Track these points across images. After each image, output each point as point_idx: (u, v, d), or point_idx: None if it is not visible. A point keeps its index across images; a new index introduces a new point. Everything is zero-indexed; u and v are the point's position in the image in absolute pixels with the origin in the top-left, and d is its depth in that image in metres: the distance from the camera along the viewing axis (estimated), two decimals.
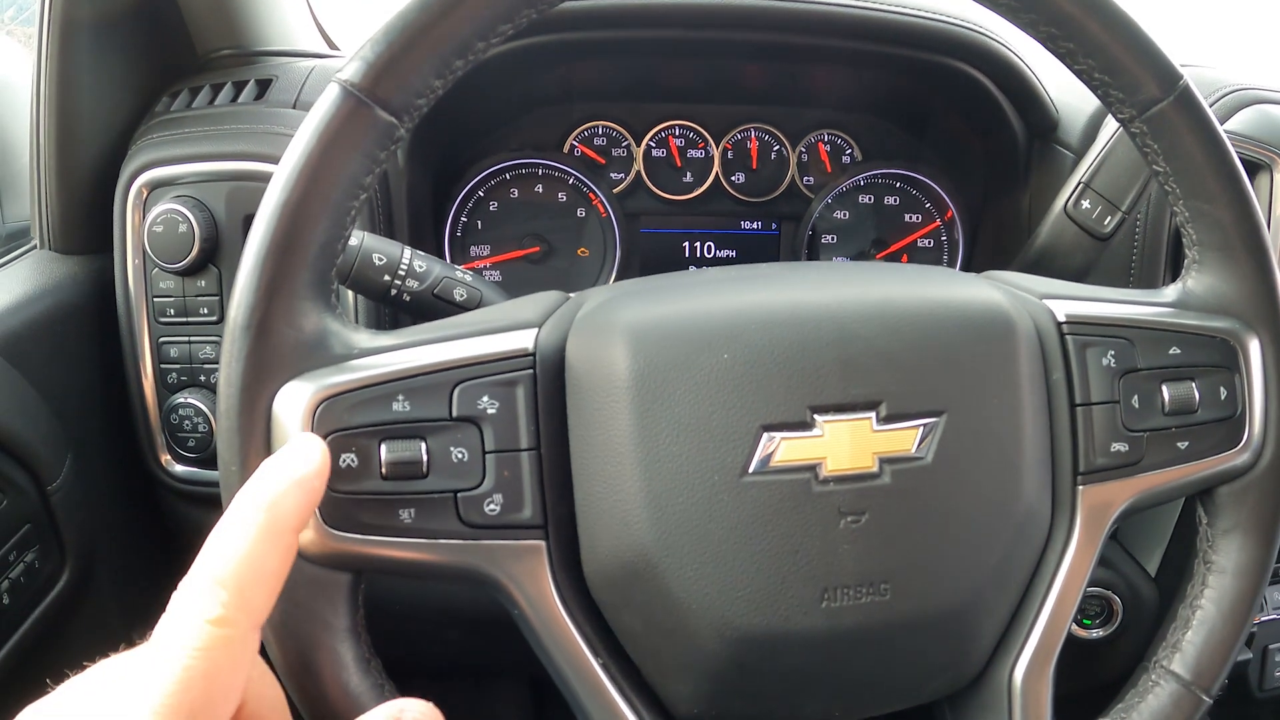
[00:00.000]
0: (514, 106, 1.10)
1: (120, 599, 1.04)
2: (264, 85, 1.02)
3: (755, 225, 1.16)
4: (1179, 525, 1.04)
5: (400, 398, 0.47)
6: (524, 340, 0.51)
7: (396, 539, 0.47)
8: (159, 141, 0.96)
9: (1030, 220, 1.08)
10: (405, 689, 0.47)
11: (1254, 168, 0.97)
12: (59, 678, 0.37)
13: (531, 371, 0.50)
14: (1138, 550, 1.08)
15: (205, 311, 0.95)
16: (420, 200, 1.04)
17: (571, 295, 0.58)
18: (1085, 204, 0.89)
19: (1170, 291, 0.61)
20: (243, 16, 1.10)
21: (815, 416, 0.50)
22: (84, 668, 0.37)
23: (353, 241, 0.76)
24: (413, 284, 0.77)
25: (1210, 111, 0.55)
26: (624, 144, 1.13)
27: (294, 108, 1.00)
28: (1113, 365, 0.56)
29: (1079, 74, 0.56)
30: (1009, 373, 0.54)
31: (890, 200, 1.17)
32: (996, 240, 1.14)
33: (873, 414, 0.51)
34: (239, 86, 1.03)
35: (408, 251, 0.77)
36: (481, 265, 1.14)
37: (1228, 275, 0.58)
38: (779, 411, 0.50)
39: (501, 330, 0.51)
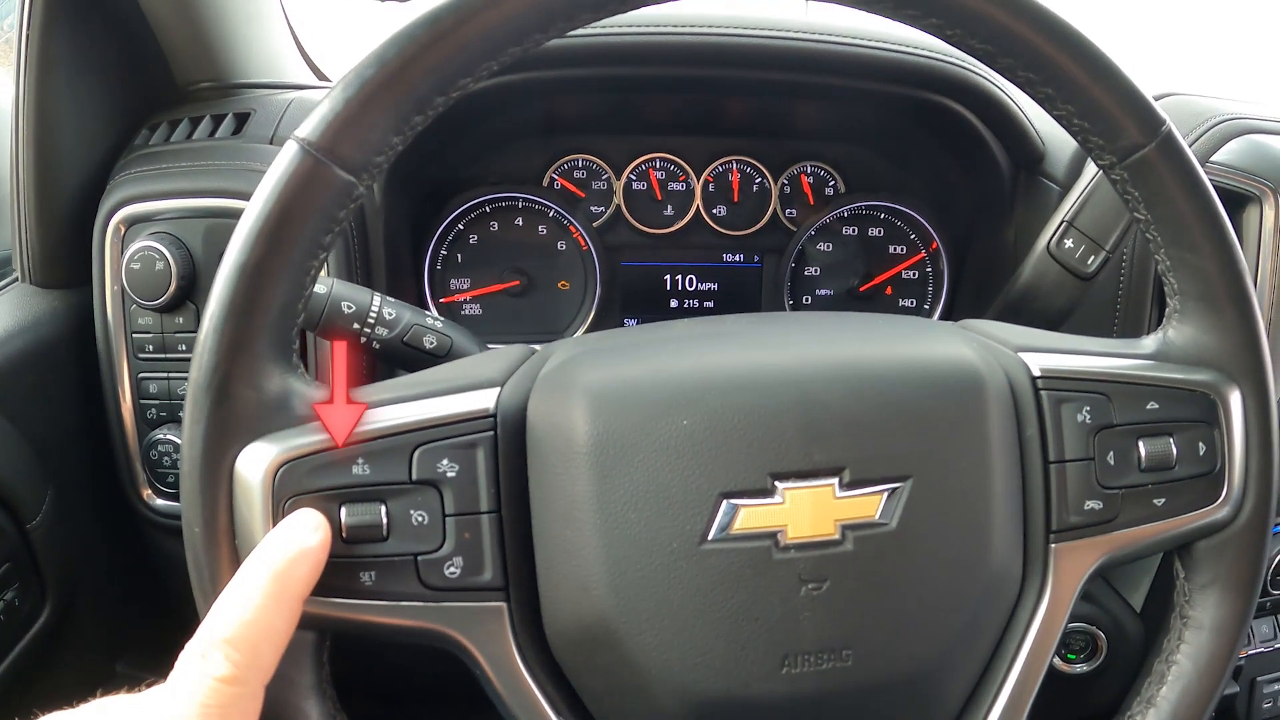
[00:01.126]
0: (493, 140, 1.09)
1: (103, 633, 1.04)
2: (242, 119, 1.02)
3: (737, 258, 1.15)
4: (1164, 560, 1.02)
5: (360, 461, 0.47)
6: (485, 400, 0.51)
7: (358, 601, 0.47)
8: (137, 177, 0.95)
9: (1016, 253, 1.07)
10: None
11: (1242, 200, 0.96)
12: (44, 712, 0.38)
13: (492, 433, 0.50)
14: (1122, 585, 1.07)
15: (184, 348, 0.95)
16: (398, 235, 1.03)
17: (538, 348, 0.58)
18: (1068, 243, 0.88)
19: (1150, 342, 0.59)
20: (222, 48, 1.09)
21: (776, 483, 0.50)
22: (69, 702, 0.38)
23: (320, 289, 0.75)
24: (382, 332, 0.77)
25: (1193, 158, 0.54)
26: (604, 177, 1.12)
27: (271, 143, 0.99)
28: (1088, 421, 0.55)
29: (1058, 119, 0.54)
30: (979, 433, 0.53)
31: (874, 232, 1.16)
32: (982, 273, 1.13)
33: (835, 480, 0.50)
34: (217, 120, 1.02)
35: (377, 298, 0.77)
36: (461, 299, 1.13)
37: (1210, 326, 0.57)
38: (739, 479, 0.49)
39: (463, 390, 0.51)
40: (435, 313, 1.10)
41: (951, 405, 0.53)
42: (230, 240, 0.46)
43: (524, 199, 1.11)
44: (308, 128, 0.46)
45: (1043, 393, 0.56)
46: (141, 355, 0.95)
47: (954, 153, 1.09)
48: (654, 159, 1.12)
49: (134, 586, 1.08)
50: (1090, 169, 0.90)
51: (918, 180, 1.16)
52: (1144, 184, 0.55)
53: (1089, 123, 0.53)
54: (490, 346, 0.84)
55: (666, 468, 0.49)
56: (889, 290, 1.17)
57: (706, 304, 1.16)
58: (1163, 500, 0.56)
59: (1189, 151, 0.54)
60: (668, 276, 1.15)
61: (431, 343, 0.79)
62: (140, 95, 1.07)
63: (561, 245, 1.13)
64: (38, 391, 0.94)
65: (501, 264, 1.12)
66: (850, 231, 1.16)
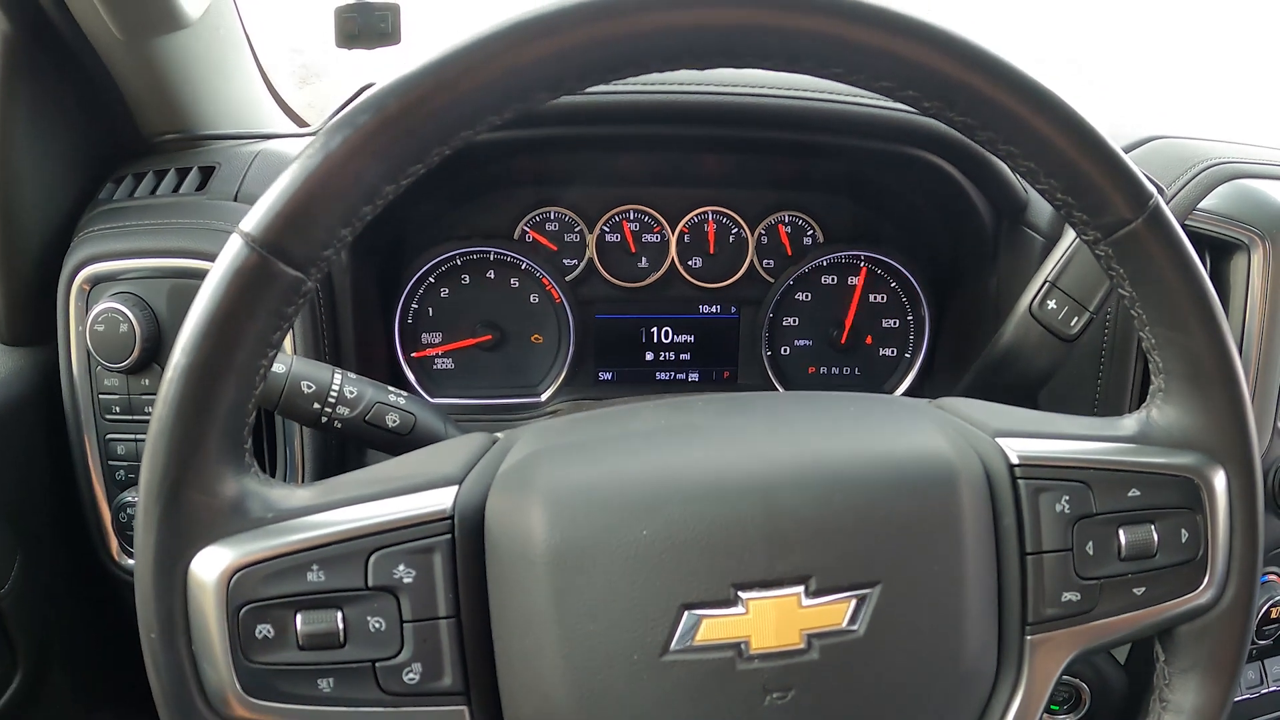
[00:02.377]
0: (462, 194, 1.07)
1: (78, 692, 1.02)
2: (207, 173, 1.00)
3: (714, 309, 1.13)
4: None
5: (315, 568, 0.47)
6: (442, 500, 0.49)
7: (316, 708, 0.47)
8: (100, 234, 0.94)
9: (998, 303, 1.05)
10: None
11: (1230, 248, 0.93)
12: None
13: (449, 536, 0.49)
14: None
15: (150, 410, 0.92)
16: (366, 291, 1.01)
17: (500, 436, 0.56)
18: (1051, 304, 0.86)
19: (1131, 423, 0.57)
20: (187, 99, 1.07)
21: (739, 594, 0.48)
22: None
23: (279, 368, 0.74)
24: (344, 411, 0.75)
25: (1181, 233, 0.52)
26: (576, 229, 1.10)
27: (235, 199, 0.97)
28: (1067, 511, 0.54)
29: (1041, 193, 0.52)
30: (952, 530, 0.51)
31: (854, 281, 1.14)
32: (964, 322, 1.11)
33: (801, 588, 0.48)
34: (182, 174, 1.00)
35: (338, 376, 0.76)
36: (433, 354, 1.11)
37: (1195, 407, 0.55)
38: (700, 589, 0.48)
39: (419, 488, 0.50)
40: (408, 366, 1.09)
41: (924, 503, 0.51)
42: (176, 339, 0.45)
43: (495, 252, 1.08)
44: (252, 220, 0.44)
45: (1020, 482, 0.54)
46: (108, 416, 0.94)
47: (934, 203, 1.08)
48: (627, 211, 1.10)
49: (109, 641, 1.06)
50: None
51: (898, 229, 1.14)
52: (1130, 260, 0.53)
53: (1073, 197, 0.52)
54: (455, 424, 0.82)
55: (626, 578, 0.48)
56: (869, 340, 1.15)
57: (683, 356, 1.13)
58: (1143, 589, 0.55)
59: (1177, 226, 0.52)
60: (643, 329, 1.13)
61: (394, 421, 0.77)
62: (105, 147, 1.05)
63: (534, 298, 1.11)
64: (4, 453, 0.92)
65: (473, 318, 1.10)
66: (830, 280, 1.14)
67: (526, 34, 0.44)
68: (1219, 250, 0.94)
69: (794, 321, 1.14)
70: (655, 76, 0.91)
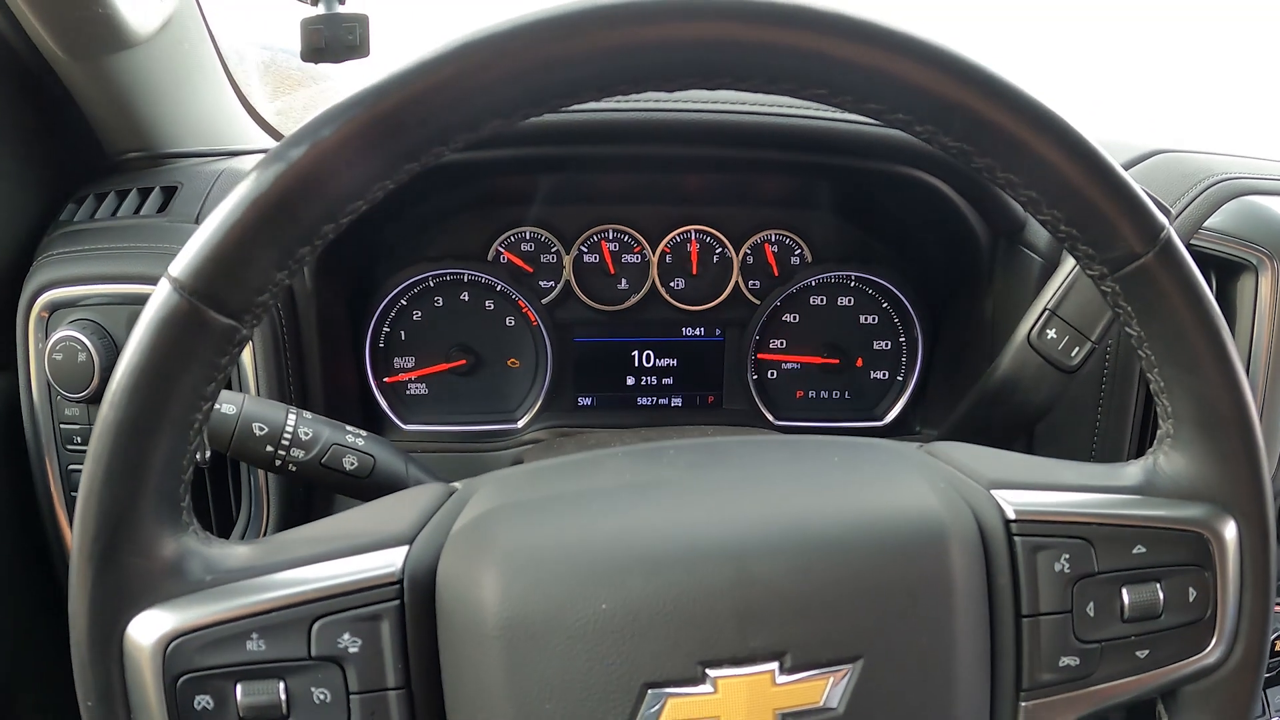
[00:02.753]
0: (433, 215, 1.03)
1: (48, 713, 1.00)
2: (169, 193, 0.96)
3: (698, 332, 1.09)
4: None
5: (255, 636, 0.44)
6: (391, 561, 0.47)
7: None
8: (59, 259, 0.90)
9: (994, 325, 1.01)
10: None
11: (1236, 269, 0.89)
12: None
13: (398, 602, 0.46)
14: None
15: None
16: (333, 316, 0.97)
17: (458, 486, 0.54)
18: (1050, 334, 0.81)
19: (1136, 471, 0.54)
20: (149, 116, 1.03)
21: (707, 671, 0.44)
22: None
23: (229, 409, 0.71)
24: (298, 454, 0.72)
25: (1194, 267, 0.49)
26: (553, 250, 1.06)
27: (197, 221, 0.93)
28: (1066, 571, 0.50)
29: (1043, 224, 0.49)
30: (942, 595, 0.48)
31: (844, 301, 1.10)
32: (958, 345, 1.07)
33: (774, 665, 0.44)
34: (144, 194, 0.97)
35: (292, 416, 0.72)
36: (406, 379, 1.07)
37: (1205, 454, 0.52)
38: (665, 668, 0.44)
39: (367, 548, 0.47)
40: (379, 392, 1.05)
41: (912, 567, 0.47)
42: (104, 396, 0.43)
43: (469, 274, 1.04)
44: (181, 264, 0.42)
45: (1017, 539, 0.51)
46: (70, 447, 0.91)
47: (927, 221, 1.03)
48: (606, 230, 1.06)
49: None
50: None
51: (889, 248, 1.10)
52: (1139, 297, 0.49)
53: (1078, 229, 0.48)
54: (419, 464, 0.79)
55: (585, 655, 0.44)
56: (860, 362, 1.11)
57: (665, 380, 1.09)
58: (1146, 652, 0.51)
59: (1189, 260, 0.49)
60: (623, 353, 1.09)
61: (352, 464, 0.73)
62: (66, 167, 1.02)
63: (510, 321, 1.07)
64: None
65: (447, 342, 1.06)
66: (818, 301, 1.10)
67: (480, 56, 0.41)
68: (1225, 271, 0.90)
69: (781, 344, 1.10)
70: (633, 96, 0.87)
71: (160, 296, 0.42)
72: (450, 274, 1.04)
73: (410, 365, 1.07)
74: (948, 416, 1.03)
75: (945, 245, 1.04)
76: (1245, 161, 0.96)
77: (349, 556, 0.47)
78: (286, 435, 0.72)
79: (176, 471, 0.44)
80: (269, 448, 0.71)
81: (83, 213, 0.96)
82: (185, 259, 0.42)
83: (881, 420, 1.11)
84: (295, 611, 0.45)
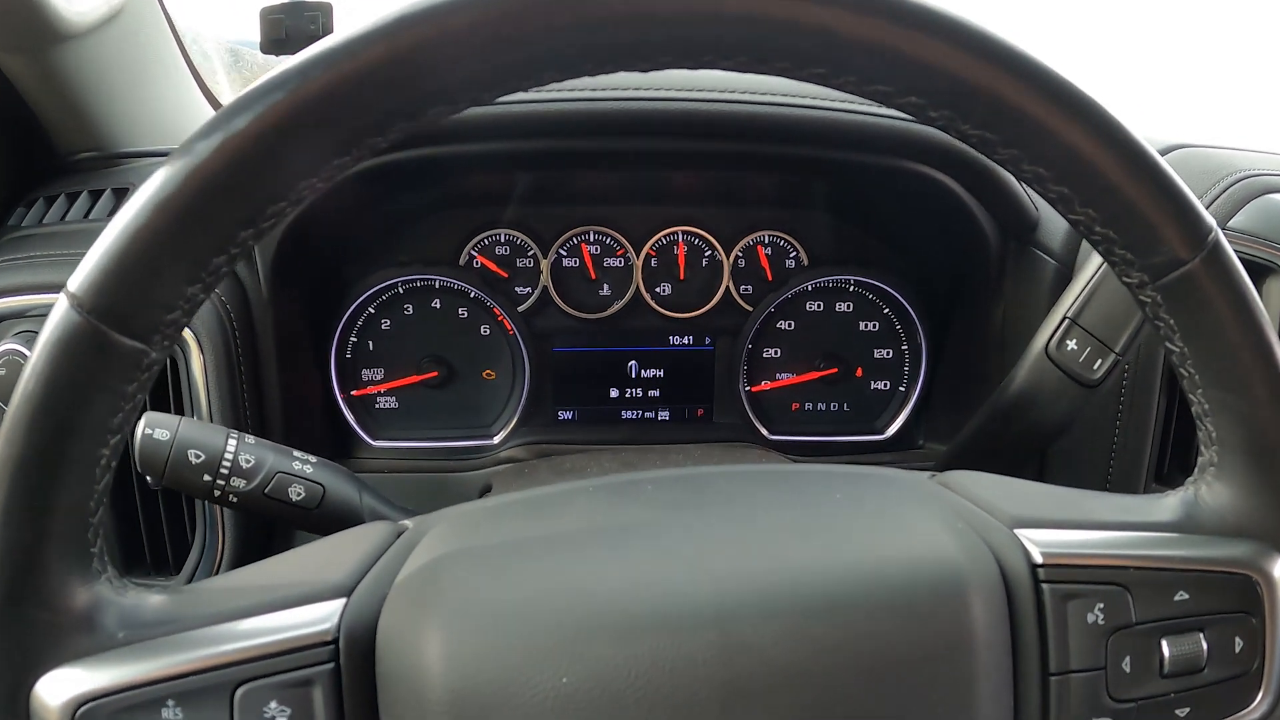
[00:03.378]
0: (400, 215, 0.97)
1: None
2: (121, 195, 0.92)
3: (686, 341, 1.03)
4: None
5: (171, 704, 0.40)
6: (326, 617, 0.42)
7: None
8: (6, 266, 0.87)
9: (1005, 334, 0.95)
10: None
11: (1261, 271, 0.83)
12: None
13: (332, 665, 0.41)
14: None
15: None
16: (293, 326, 0.91)
17: (410, 523, 0.49)
18: (1071, 345, 0.75)
19: (1175, 503, 0.49)
20: (100, 113, 0.98)
21: None
22: None
23: (162, 435, 0.66)
24: (239, 483, 0.66)
25: (1245, 276, 0.44)
26: (529, 253, 0.99)
27: None
28: (1100, 623, 0.45)
29: (1074, 224, 0.44)
30: (959, 655, 0.42)
31: (843, 307, 1.04)
32: (966, 354, 1.01)
33: None
34: (95, 196, 0.93)
35: (233, 441, 0.67)
36: (375, 392, 1.01)
37: (1255, 486, 0.47)
38: None
39: (299, 601, 0.42)
40: (346, 406, 0.99)
41: (925, 630, 0.42)
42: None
43: (440, 280, 0.98)
44: (78, 278, 0.37)
45: (1045, 586, 0.46)
46: None
47: (932, 220, 0.97)
48: (586, 232, 0.99)
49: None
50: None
51: (891, 250, 1.04)
52: (1182, 309, 0.45)
53: (1116, 231, 0.44)
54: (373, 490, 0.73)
55: None
56: (859, 372, 1.05)
57: (651, 392, 1.03)
58: (1187, 710, 0.47)
59: (1240, 268, 0.44)
60: (606, 364, 1.03)
61: (299, 493, 0.68)
62: (15, 168, 0.97)
63: (485, 330, 1.01)
64: None
65: (418, 352, 1.01)
66: (815, 307, 1.04)
67: (420, 32, 0.37)
68: (1248, 274, 0.83)
69: (775, 353, 1.05)
70: (609, 81, 0.81)
71: (57, 315, 0.37)
72: (420, 280, 0.98)
73: (379, 377, 1.01)
74: (953, 429, 0.97)
75: (952, 247, 0.98)
76: (1271, 158, 0.90)
77: (278, 611, 0.42)
78: (225, 463, 0.66)
79: (83, 514, 0.40)
80: (206, 477, 0.66)
81: (31, 217, 0.93)
82: (83, 272, 0.37)
83: (883, 434, 1.05)
84: (216, 676, 0.40)
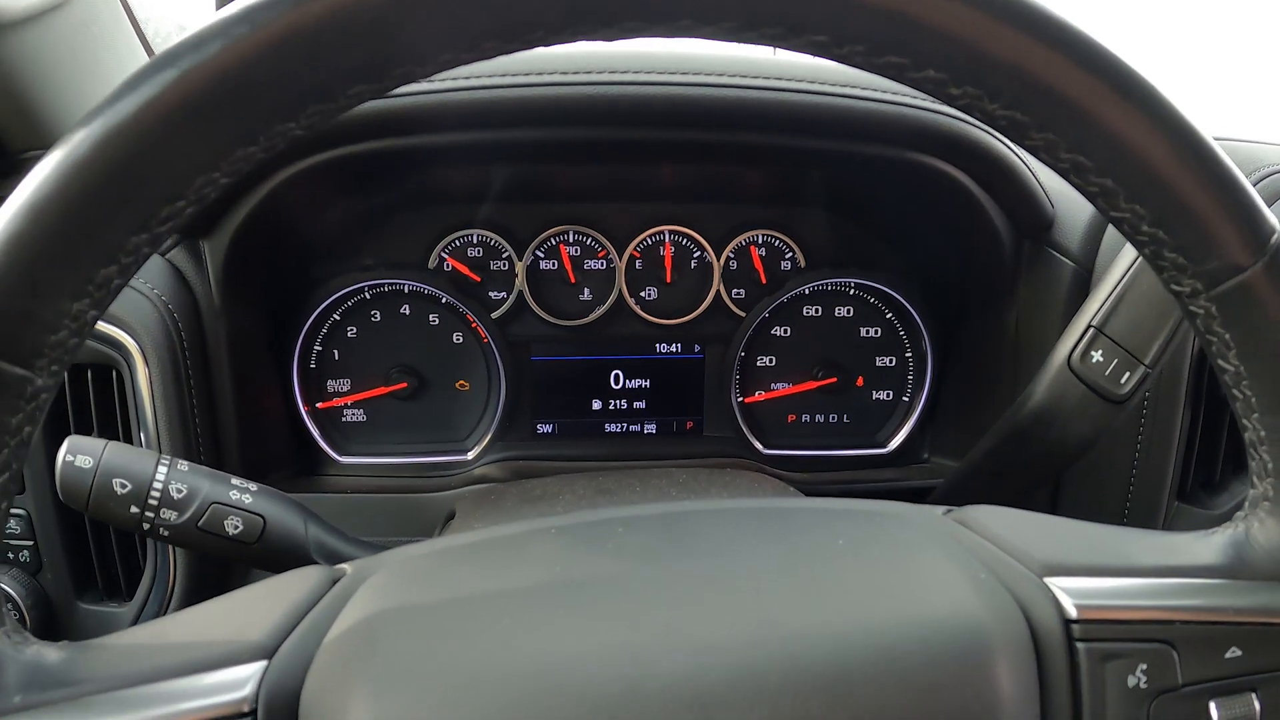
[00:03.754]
0: (365, 214, 0.90)
1: None
2: None
3: (674, 349, 0.97)
4: None
5: None
6: (241, 682, 0.37)
7: None
8: None
9: (1018, 342, 0.88)
10: None
11: None
12: None
13: None
14: None
15: None
16: (250, 336, 0.85)
17: (349, 568, 0.44)
18: (1096, 356, 0.69)
19: (1223, 543, 0.45)
20: (51, 110, 0.92)
21: None
22: None
23: (85, 461, 0.60)
24: (170, 515, 0.61)
25: None
26: (504, 255, 0.93)
27: None
28: (1143, 686, 0.41)
29: (1117, 223, 0.39)
30: None
31: (842, 312, 0.98)
32: (974, 364, 0.95)
33: None
34: None
35: (163, 469, 0.61)
36: (341, 404, 0.94)
37: None
38: None
39: (215, 665, 0.38)
40: (311, 420, 0.93)
41: (944, 702, 0.37)
42: None
43: (409, 285, 0.91)
44: None
45: (1080, 645, 0.41)
46: None
47: (939, 218, 0.91)
48: (565, 232, 0.93)
49: None
50: (1125, 252, 0.71)
51: (894, 251, 0.98)
52: (1240, 323, 0.40)
53: (1165, 231, 0.39)
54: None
55: None
56: (860, 381, 0.99)
57: (637, 404, 0.96)
58: None
59: None
60: (589, 374, 0.96)
61: (236, 526, 0.62)
62: None
63: (457, 338, 0.95)
64: None
65: (387, 362, 0.94)
66: (812, 312, 0.98)
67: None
68: None
69: (770, 362, 0.99)
70: (585, 65, 0.74)
71: None
72: (388, 285, 0.92)
73: (345, 389, 0.95)
74: (960, 443, 0.90)
75: (960, 247, 0.92)
76: None
77: (190, 676, 0.37)
78: (155, 492, 0.60)
79: None
80: (133, 508, 0.60)
81: None
82: None
83: (885, 447, 0.99)
84: None
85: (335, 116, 0.34)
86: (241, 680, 0.37)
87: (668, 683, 0.36)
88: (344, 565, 0.45)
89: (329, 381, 0.94)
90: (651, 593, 0.40)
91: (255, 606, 0.42)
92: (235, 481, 0.63)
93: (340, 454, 0.94)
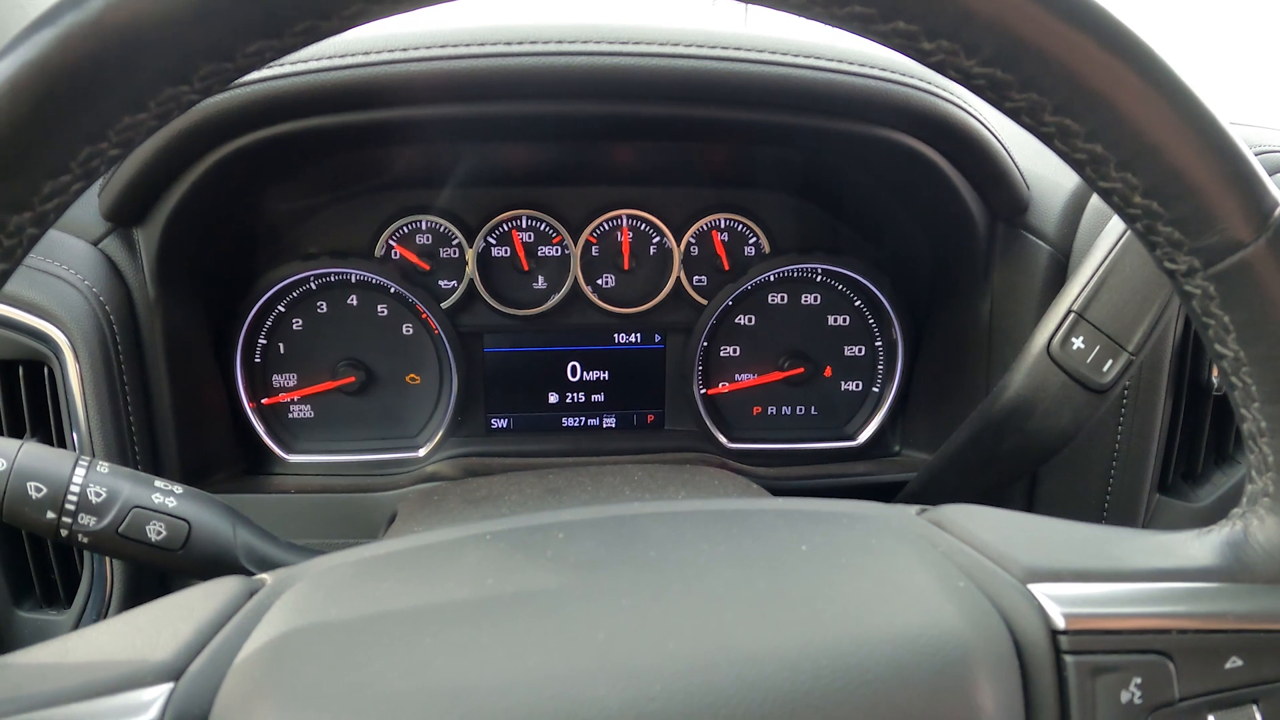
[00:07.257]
0: (307, 200, 0.86)
1: None
2: None
3: (633, 339, 0.93)
4: None
5: None
6: (145, 706, 0.35)
7: None
8: None
9: (992, 329, 0.84)
10: None
11: None
12: None
13: None
14: None
15: None
16: (187, 331, 0.81)
17: (268, 578, 0.42)
18: (1076, 343, 0.66)
19: (1219, 542, 0.42)
20: None
21: None
22: None
23: None
24: (88, 520, 0.58)
25: None
26: (454, 242, 0.89)
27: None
28: (1137, 701, 0.38)
29: (1105, 194, 0.37)
30: None
31: (809, 300, 0.94)
32: (947, 352, 0.91)
33: None
34: None
35: (81, 470, 0.58)
36: (287, 399, 0.90)
37: None
38: None
39: (117, 687, 0.35)
40: (256, 416, 0.89)
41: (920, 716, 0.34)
42: None
43: (355, 274, 0.87)
44: None
45: (1068, 658, 0.38)
46: None
47: (912, 200, 0.87)
48: (517, 217, 0.89)
49: None
50: (1107, 233, 0.67)
51: (863, 236, 0.94)
52: (1240, 304, 0.38)
53: (1159, 203, 0.36)
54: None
55: None
56: (828, 372, 0.95)
57: (595, 397, 0.93)
58: None
59: None
60: (544, 366, 0.92)
61: (159, 532, 0.59)
62: None
63: (407, 329, 0.91)
64: None
65: (334, 355, 0.91)
66: (778, 300, 0.94)
67: None
68: None
69: (734, 351, 0.95)
70: (528, 35, 0.70)
71: None
72: (334, 274, 0.88)
73: (292, 384, 0.91)
74: (933, 435, 0.87)
75: (932, 230, 0.88)
76: None
77: (91, 700, 0.35)
78: (72, 496, 0.57)
79: None
80: (50, 514, 0.57)
81: None
82: None
83: (855, 440, 0.95)
84: None
85: (234, 79, 0.32)
86: (145, 704, 0.35)
87: (604, 712, 0.32)
88: (264, 576, 0.43)
89: (274, 376, 0.90)
90: (590, 609, 0.37)
91: (164, 623, 0.39)
92: (159, 484, 0.60)
93: (288, 452, 0.91)
